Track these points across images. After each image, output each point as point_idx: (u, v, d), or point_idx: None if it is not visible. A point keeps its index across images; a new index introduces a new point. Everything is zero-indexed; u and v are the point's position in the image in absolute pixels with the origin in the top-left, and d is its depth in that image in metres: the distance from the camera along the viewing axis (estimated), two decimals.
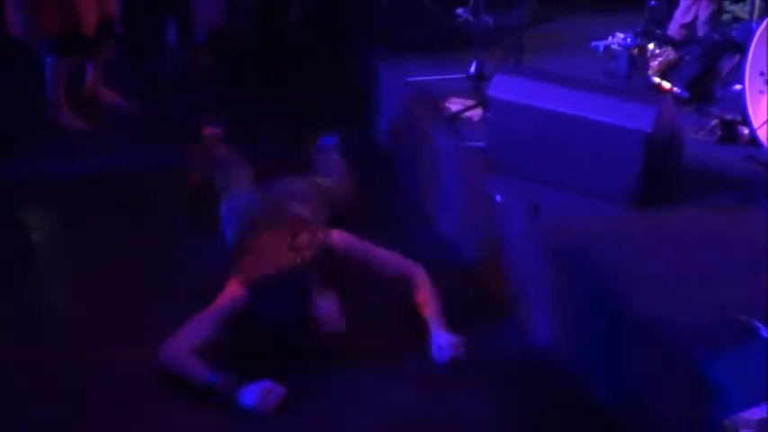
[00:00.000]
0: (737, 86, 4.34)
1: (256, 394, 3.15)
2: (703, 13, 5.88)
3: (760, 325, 2.83)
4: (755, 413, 2.52)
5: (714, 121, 4.41)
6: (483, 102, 4.51)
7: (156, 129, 5.55)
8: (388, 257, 3.68)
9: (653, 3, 6.17)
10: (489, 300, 3.88)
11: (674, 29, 5.87)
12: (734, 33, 5.08)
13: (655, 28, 5.89)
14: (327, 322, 3.41)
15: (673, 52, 5.08)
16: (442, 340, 3.43)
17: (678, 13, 5.90)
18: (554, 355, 3.46)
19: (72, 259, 4.28)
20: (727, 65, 4.85)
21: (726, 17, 6.13)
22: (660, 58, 5.05)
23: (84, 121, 5.64)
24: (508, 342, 3.62)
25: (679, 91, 4.77)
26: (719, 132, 4.37)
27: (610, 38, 5.48)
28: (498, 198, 3.86)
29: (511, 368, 3.47)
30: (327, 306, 3.43)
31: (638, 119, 3.63)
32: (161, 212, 4.61)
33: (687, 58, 5.06)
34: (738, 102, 4.26)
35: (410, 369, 3.42)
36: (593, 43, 5.72)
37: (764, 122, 4.09)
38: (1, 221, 4.51)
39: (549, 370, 3.42)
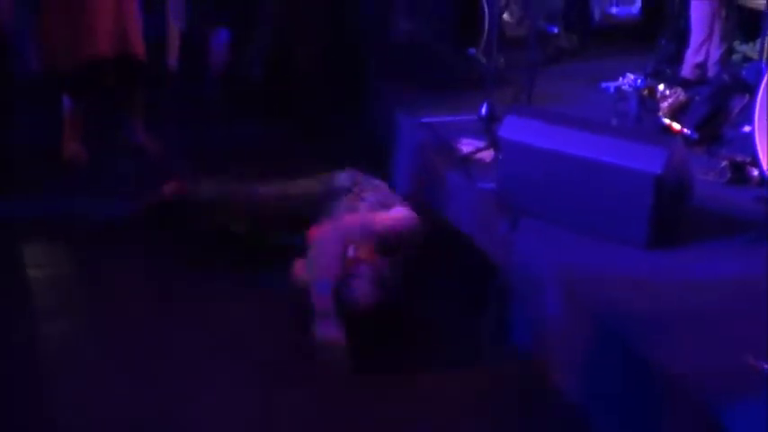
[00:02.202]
0: (747, 128, 4.37)
1: None
2: (714, 54, 5.92)
3: None
4: None
5: (724, 163, 4.43)
6: (494, 143, 4.55)
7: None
8: None
9: (663, 41, 6.23)
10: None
11: (687, 69, 5.92)
12: (744, 74, 5.11)
13: (665, 68, 5.95)
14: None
15: (683, 93, 5.12)
16: None
17: (689, 53, 5.95)
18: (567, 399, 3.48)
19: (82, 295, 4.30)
20: (737, 105, 4.87)
21: (736, 57, 6.19)
22: (670, 99, 5.08)
23: (87, 155, 5.62)
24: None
25: (689, 132, 4.80)
26: (729, 174, 4.39)
27: (620, 79, 5.51)
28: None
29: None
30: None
31: (649, 161, 3.66)
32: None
33: (697, 98, 5.09)
34: (748, 143, 4.28)
35: None
36: (604, 84, 5.77)
37: None
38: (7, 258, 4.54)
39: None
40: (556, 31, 6.87)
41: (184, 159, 5.59)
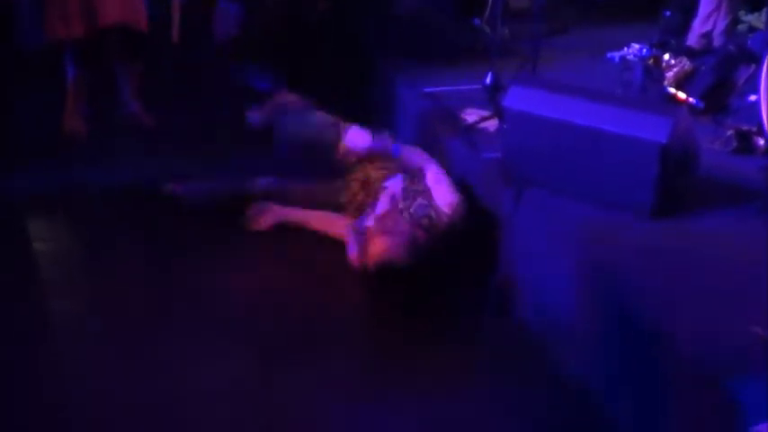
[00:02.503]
0: (753, 97, 4.35)
1: None
2: (720, 23, 5.89)
3: None
4: None
5: (730, 132, 4.41)
6: (499, 112, 4.53)
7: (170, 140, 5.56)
8: None
9: (668, 13, 6.19)
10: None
11: (693, 38, 5.88)
12: (750, 43, 5.08)
13: (670, 38, 5.90)
14: None
15: (688, 63, 5.09)
16: None
17: (697, 23, 5.91)
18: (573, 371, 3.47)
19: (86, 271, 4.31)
20: (742, 75, 4.85)
21: (742, 27, 6.15)
22: (675, 69, 5.05)
23: (86, 129, 5.64)
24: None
25: (695, 102, 4.77)
26: (735, 143, 4.37)
27: (625, 48, 5.49)
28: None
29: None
30: None
31: (654, 130, 3.64)
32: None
33: (703, 68, 5.06)
34: (754, 112, 4.26)
35: None
36: (609, 54, 5.73)
37: None
38: (13, 234, 4.55)
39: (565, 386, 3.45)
40: None
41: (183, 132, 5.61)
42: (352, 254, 4.13)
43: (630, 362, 3.15)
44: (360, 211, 4.33)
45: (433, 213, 4.08)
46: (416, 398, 3.36)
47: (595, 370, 3.35)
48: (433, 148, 4.83)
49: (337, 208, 4.48)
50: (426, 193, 4.15)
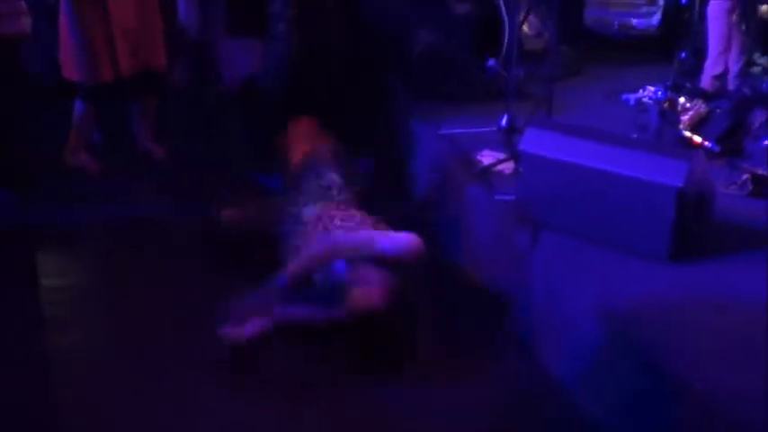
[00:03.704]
0: None
1: None
2: (734, 67, 5.91)
3: None
4: None
5: (745, 176, 4.41)
6: (514, 155, 4.54)
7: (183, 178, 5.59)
8: None
9: (683, 55, 6.21)
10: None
11: (706, 81, 5.90)
12: (764, 87, 5.10)
13: (685, 81, 5.92)
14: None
15: (703, 106, 5.10)
16: None
17: (708, 65, 5.93)
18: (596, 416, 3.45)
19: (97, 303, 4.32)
20: (758, 118, 4.85)
21: (756, 70, 6.17)
22: (691, 112, 5.06)
23: (98, 164, 5.69)
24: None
25: (710, 145, 4.78)
26: (751, 186, 4.37)
27: (641, 91, 5.51)
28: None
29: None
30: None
31: (671, 174, 3.64)
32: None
33: (718, 111, 5.07)
34: None
35: None
36: (624, 96, 5.75)
37: None
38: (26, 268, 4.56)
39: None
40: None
41: (195, 169, 5.64)
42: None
43: (650, 409, 3.13)
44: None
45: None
46: None
47: (618, 416, 3.32)
48: (448, 190, 4.85)
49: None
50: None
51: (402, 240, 3.88)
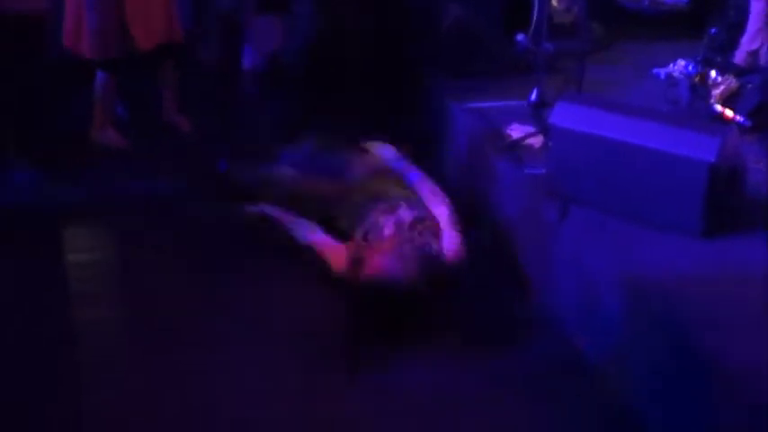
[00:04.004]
0: None
1: None
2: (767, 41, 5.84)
3: None
4: None
5: None
6: (544, 129, 4.52)
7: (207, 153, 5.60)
8: None
9: (714, 30, 6.15)
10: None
11: (740, 56, 5.83)
12: None
13: (716, 56, 5.86)
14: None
15: (734, 80, 5.04)
16: None
17: (745, 40, 5.86)
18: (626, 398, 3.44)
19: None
20: None
21: None
22: (722, 87, 5.01)
23: (125, 140, 5.71)
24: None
25: (742, 119, 4.73)
26: None
27: (671, 65, 5.45)
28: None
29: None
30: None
31: (702, 149, 3.61)
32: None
33: (749, 86, 5.02)
34: None
35: None
36: (655, 70, 5.69)
37: None
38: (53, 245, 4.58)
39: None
40: None
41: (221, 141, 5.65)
42: (338, 261, 4.08)
43: (680, 386, 3.12)
44: (353, 221, 4.30)
45: (434, 254, 4.00)
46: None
47: (647, 392, 3.31)
48: (477, 163, 4.83)
49: (327, 211, 4.48)
50: (435, 233, 4.11)
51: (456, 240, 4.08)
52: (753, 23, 5.80)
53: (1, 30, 5.10)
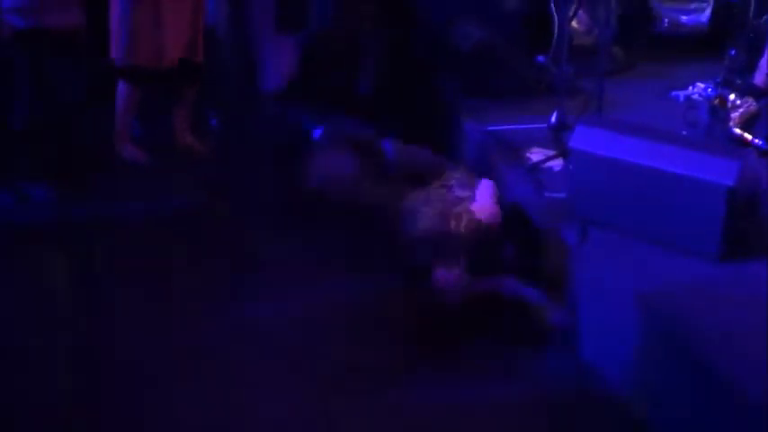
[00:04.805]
0: None
1: None
2: None
3: None
4: None
5: None
6: (564, 152, 4.55)
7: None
8: None
9: (733, 52, 6.17)
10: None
11: (760, 78, 5.85)
12: None
13: (735, 78, 5.88)
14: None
15: (754, 103, 5.06)
16: None
17: (764, 62, 5.88)
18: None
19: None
20: None
21: None
22: (741, 109, 5.03)
23: (146, 156, 5.76)
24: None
25: (761, 143, 4.76)
26: None
27: (690, 87, 5.48)
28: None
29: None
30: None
31: (721, 172, 3.63)
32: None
33: None
34: None
35: None
36: (674, 93, 5.73)
37: None
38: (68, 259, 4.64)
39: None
40: None
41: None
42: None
43: (695, 407, 3.14)
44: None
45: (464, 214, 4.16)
46: None
47: (663, 413, 3.33)
48: (497, 186, 4.86)
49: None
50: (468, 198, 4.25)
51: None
52: None
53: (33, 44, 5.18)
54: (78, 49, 5.41)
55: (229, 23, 6.81)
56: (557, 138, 4.88)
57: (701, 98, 5.25)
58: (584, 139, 4.10)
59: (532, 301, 3.95)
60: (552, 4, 5.81)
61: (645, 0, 7.38)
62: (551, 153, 4.73)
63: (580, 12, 6.82)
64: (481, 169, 5.09)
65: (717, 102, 5.11)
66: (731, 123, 4.96)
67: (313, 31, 6.72)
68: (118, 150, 5.74)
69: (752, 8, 6.37)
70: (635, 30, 7.14)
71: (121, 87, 5.67)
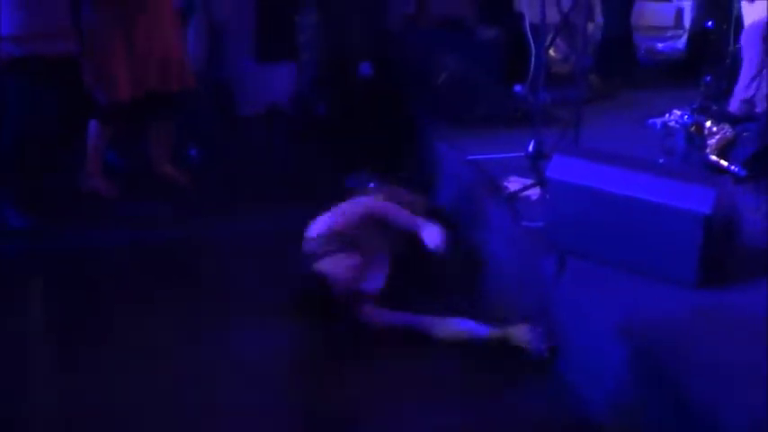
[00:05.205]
0: None
1: None
2: (762, 89, 5.89)
3: None
4: None
5: None
6: (541, 181, 4.56)
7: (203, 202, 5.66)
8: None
9: (708, 79, 6.22)
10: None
11: (734, 104, 5.90)
12: None
13: (711, 104, 5.92)
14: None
15: (730, 130, 5.09)
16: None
17: (739, 89, 5.92)
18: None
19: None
20: None
21: None
22: (717, 136, 5.06)
23: (116, 189, 5.74)
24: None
25: (736, 169, 4.78)
26: None
27: (667, 115, 5.51)
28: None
29: None
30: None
31: (697, 200, 3.65)
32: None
33: (745, 135, 5.07)
34: None
35: None
36: (651, 120, 5.76)
37: None
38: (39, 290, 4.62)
39: None
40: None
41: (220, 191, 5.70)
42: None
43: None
44: None
45: None
46: None
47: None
48: (475, 215, 4.87)
49: None
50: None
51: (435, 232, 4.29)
52: (746, 72, 5.87)
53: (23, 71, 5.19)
54: (71, 78, 5.39)
55: (209, 53, 6.85)
56: (534, 167, 4.88)
57: (677, 125, 5.28)
58: (561, 168, 4.11)
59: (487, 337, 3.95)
60: (529, 33, 5.83)
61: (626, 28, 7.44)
62: (529, 182, 4.73)
63: (557, 40, 6.88)
64: (461, 200, 5.12)
65: (693, 129, 5.14)
66: (708, 150, 4.99)
67: (292, 60, 6.75)
68: (82, 183, 5.71)
69: (728, 35, 6.41)
70: (615, 58, 7.20)
71: (93, 125, 5.65)
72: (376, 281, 4.26)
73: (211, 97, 6.98)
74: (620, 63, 7.20)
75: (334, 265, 4.10)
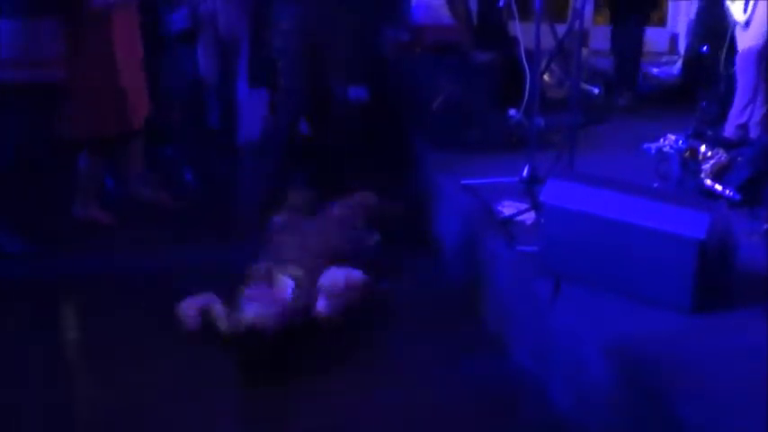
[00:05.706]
0: None
1: None
2: (756, 114, 5.91)
3: None
4: None
5: (767, 225, 4.41)
6: (536, 206, 4.56)
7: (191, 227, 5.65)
8: None
9: (704, 104, 6.23)
10: None
11: (729, 130, 5.91)
12: None
13: (706, 129, 5.93)
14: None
15: (724, 154, 5.10)
16: None
17: (733, 114, 5.94)
18: None
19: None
20: None
21: None
22: (712, 161, 5.06)
23: (111, 217, 5.72)
24: None
25: (731, 194, 4.78)
26: None
27: (661, 140, 5.51)
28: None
29: None
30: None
31: (692, 226, 3.64)
32: None
33: (739, 159, 5.07)
34: None
35: None
36: (645, 145, 5.76)
37: None
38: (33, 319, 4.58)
39: None
40: (596, 91, 6.94)
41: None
42: None
43: None
44: None
45: None
46: None
47: None
48: (470, 241, 4.86)
49: None
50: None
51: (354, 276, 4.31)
52: (741, 97, 5.89)
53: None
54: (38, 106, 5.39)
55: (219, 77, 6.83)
56: (529, 191, 4.89)
57: (672, 150, 5.28)
58: (555, 192, 4.10)
59: None
60: (524, 59, 5.85)
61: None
62: (523, 206, 4.73)
63: (552, 65, 6.91)
64: (456, 224, 5.12)
65: (688, 154, 5.14)
66: (702, 175, 5.00)
67: (285, 86, 6.72)
68: (76, 211, 5.70)
69: (722, 60, 6.43)
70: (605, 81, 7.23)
71: (83, 159, 5.67)
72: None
73: (216, 120, 6.99)
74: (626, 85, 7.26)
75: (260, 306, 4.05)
